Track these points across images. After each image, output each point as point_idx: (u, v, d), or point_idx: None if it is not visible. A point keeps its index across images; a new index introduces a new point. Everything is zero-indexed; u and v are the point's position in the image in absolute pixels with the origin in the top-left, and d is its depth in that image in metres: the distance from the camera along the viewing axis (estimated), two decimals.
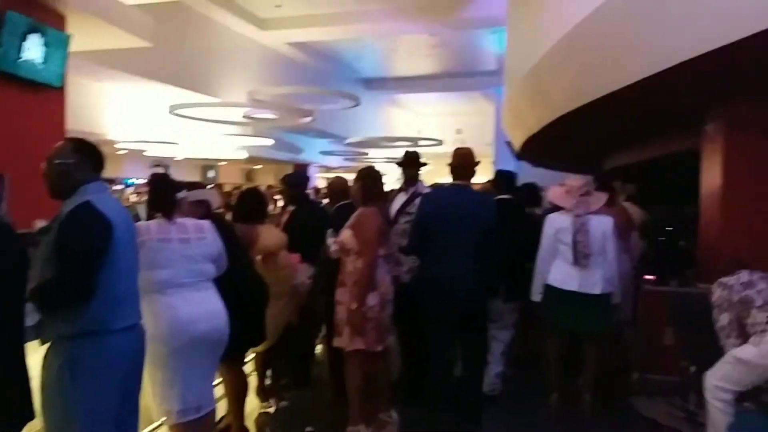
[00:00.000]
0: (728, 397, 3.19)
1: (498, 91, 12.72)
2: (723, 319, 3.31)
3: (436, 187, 4.84)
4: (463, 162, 3.91)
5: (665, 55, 3.50)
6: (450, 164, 3.95)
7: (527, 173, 11.09)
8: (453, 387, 3.90)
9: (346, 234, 3.45)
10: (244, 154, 12.01)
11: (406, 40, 11.95)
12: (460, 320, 3.77)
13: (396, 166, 4.52)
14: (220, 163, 15.05)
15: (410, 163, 4.37)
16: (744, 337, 3.25)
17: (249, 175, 17.65)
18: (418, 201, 4.17)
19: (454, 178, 3.93)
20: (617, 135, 7.44)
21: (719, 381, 3.23)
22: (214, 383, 3.15)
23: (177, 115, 8.36)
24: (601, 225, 4.07)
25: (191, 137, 10.39)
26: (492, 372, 4.40)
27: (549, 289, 4.11)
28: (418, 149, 4.65)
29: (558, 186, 4.42)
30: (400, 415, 3.70)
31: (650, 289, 4.96)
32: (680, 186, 6.83)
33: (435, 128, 17.79)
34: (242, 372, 3.55)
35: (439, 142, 12.60)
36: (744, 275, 3.34)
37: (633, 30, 3.90)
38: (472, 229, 3.71)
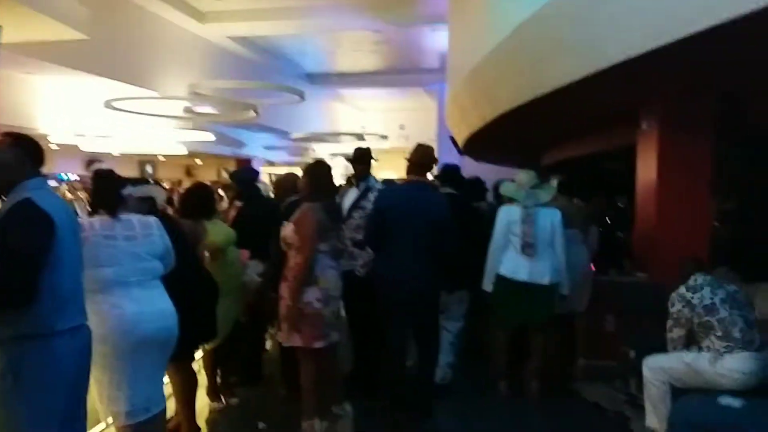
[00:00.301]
0: (666, 382, 3.39)
1: (441, 87, 12.88)
2: (676, 332, 3.43)
3: (392, 183, 4.91)
4: (424, 158, 3.98)
5: (603, 55, 3.65)
6: (409, 159, 4.01)
7: (470, 168, 11.31)
8: (405, 380, 3.96)
9: (287, 229, 3.45)
10: (183, 150, 11.71)
11: (349, 35, 11.93)
12: (413, 313, 3.84)
13: (346, 161, 4.54)
14: (158, 159, 14.63)
15: (361, 159, 4.41)
16: (694, 344, 3.39)
17: (189, 170, 17.24)
18: (370, 196, 4.22)
19: (410, 173, 3.98)
20: (557, 131, 7.68)
21: (662, 370, 3.41)
22: (164, 383, 3.07)
23: (113, 108, 8.07)
24: (550, 217, 4.21)
25: (128, 132, 10.06)
26: (442, 362, 4.48)
27: (500, 279, 4.20)
28: (363, 144, 4.68)
29: (510, 181, 4.58)
30: (353, 407, 3.70)
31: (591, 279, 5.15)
32: (615, 180, 7.13)
33: (379, 124, 17.84)
34: (192, 370, 3.48)
35: (384, 138, 12.67)
36: (705, 293, 3.32)
37: (573, 31, 4.04)
38: (427, 225, 3.77)
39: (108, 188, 2.94)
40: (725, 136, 4.83)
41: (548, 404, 4.29)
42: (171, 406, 3.34)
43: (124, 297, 2.72)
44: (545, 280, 4.13)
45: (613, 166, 7.48)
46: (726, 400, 3.10)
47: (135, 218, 2.91)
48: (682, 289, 3.43)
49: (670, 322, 3.45)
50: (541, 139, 8.74)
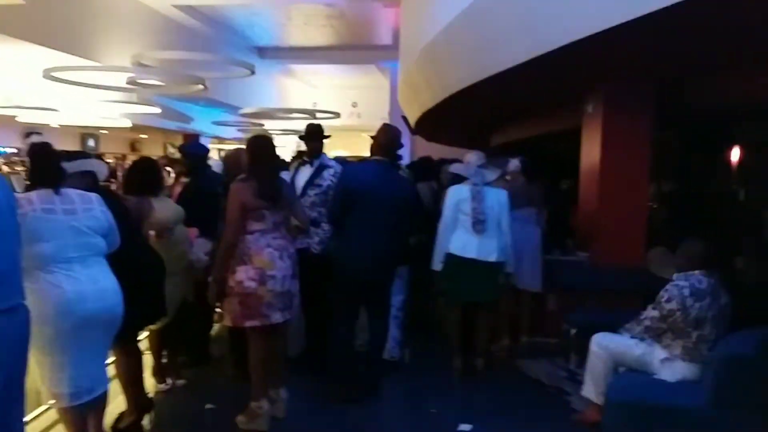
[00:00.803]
0: (611, 361, 3.51)
1: (393, 65, 12.81)
2: (656, 325, 3.32)
3: (345, 162, 4.94)
4: (393, 141, 4.01)
5: (551, 37, 3.72)
6: (375, 138, 4.01)
7: (422, 148, 11.36)
8: (353, 356, 4.01)
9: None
10: (128, 123, 11.30)
11: (300, 8, 11.68)
12: (370, 290, 3.92)
13: (299, 138, 4.52)
14: (101, 132, 14.08)
15: (314, 136, 4.39)
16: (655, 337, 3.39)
17: (134, 144, 16.69)
18: (325, 174, 4.24)
19: (376, 154, 3.99)
20: (506, 113, 7.80)
21: (610, 351, 3.49)
22: (107, 363, 3.01)
23: (52, 79, 7.70)
24: (497, 196, 4.30)
25: (69, 103, 9.63)
26: (389, 337, 4.54)
27: (449, 257, 4.28)
28: (315, 122, 4.66)
29: (459, 163, 4.69)
30: (289, 392, 3.72)
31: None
32: (559, 162, 7.32)
33: (331, 101, 17.62)
34: (138, 351, 3.43)
35: (337, 115, 12.53)
36: (705, 303, 3.17)
37: (522, 12, 4.09)
38: (393, 205, 3.83)
39: (46, 162, 2.83)
40: (664, 120, 5.02)
41: (492, 380, 4.41)
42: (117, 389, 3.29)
43: (65, 275, 2.64)
44: (492, 257, 4.23)
45: (557, 149, 7.66)
46: (661, 376, 3.26)
47: (74, 192, 2.81)
48: (686, 290, 3.20)
49: (655, 313, 3.31)
50: (490, 121, 8.85)
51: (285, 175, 4.07)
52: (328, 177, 4.27)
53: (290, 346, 4.49)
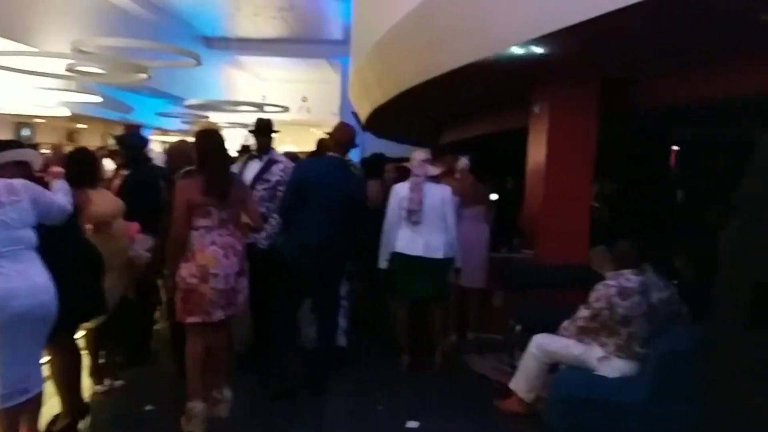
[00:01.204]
0: (548, 362, 3.59)
1: (344, 60, 12.75)
2: (589, 324, 3.40)
3: (296, 157, 4.93)
4: (348, 140, 3.99)
5: (498, 38, 3.78)
6: (333, 135, 4.01)
7: (371, 145, 11.36)
8: (295, 353, 4.03)
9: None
10: (66, 112, 10.84)
11: None
12: (320, 285, 3.91)
13: (248, 132, 4.46)
14: (37, 121, 13.46)
15: (263, 131, 4.35)
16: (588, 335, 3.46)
17: (72, 135, 16.03)
18: (274, 169, 4.20)
19: (331, 150, 3.99)
20: (456, 111, 7.87)
21: (548, 351, 3.57)
22: (42, 363, 2.87)
23: None
24: (440, 192, 4.35)
25: (3, 90, 9.16)
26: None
27: (395, 256, 4.30)
28: (263, 115, 4.60)
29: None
30: (234, 391, 3.63)
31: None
32: (505, 162, 7.44)
33: (280, 94, 17.39)
34: (75, 349, 3.29)
35: (286, 109, 12.37)
36: (634, 302, 3.26)
37: (471, 13, 4.14)
38: (343, 202, 3.83)
39: None
40: (608, 121, 5.16)
41: (438, 376, 4.44)
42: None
43: None
44: (439, 254, 4.26)
45: (504, 148, 7.78)
46: (601, 372, 3.35)
47: (0, 183, 2.66)
48: (612, 290, 3.30)
49: (586, 313, 3.41)
50: (441, 118, 8.92)
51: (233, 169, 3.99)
52: (277, 172, 4.21)
53: (237, 343, 4.41)
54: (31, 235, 2.68)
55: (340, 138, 3.98)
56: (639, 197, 6.69)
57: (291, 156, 5.03)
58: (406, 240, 4.27)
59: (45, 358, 3.03)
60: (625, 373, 3.32)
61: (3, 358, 2.55)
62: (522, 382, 3.66)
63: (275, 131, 4.44)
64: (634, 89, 4.98)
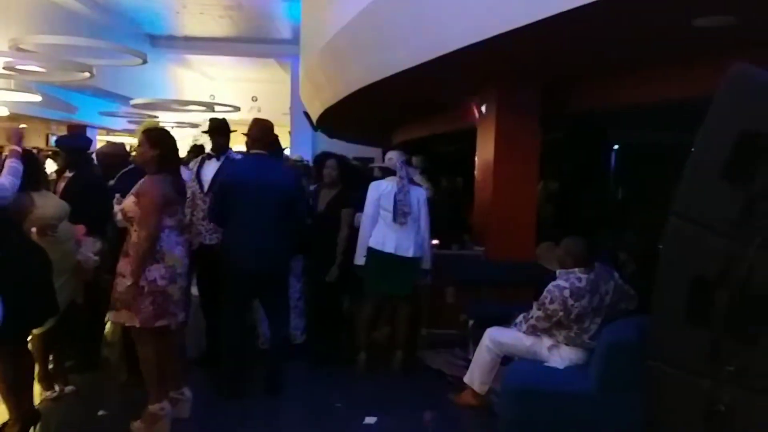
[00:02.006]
0: (501, 354, 3.70)
1: (295, 60, 12.68)
2: (540, 324, 3.48)
3: (240, 158, 4.82)
4: (263, 133, 3.95)
5: (443, 40, 3.88)
6: (248, 134, 3.97)
7: (323, 144, 11.35)
8: (244, 351, 4.00)
9: (129, 201, 3.26)
10: (4, 111, 10.41)
11: None
12: (262, 286, 3.88)
13: (203, 132, 4.43)
14: None
15: (220, 131, 4.34)
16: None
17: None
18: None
19: (251, 148, 3.95)
20: (406, 111, 7.97)
21: (501, 344, 3.66)
22: None
23: None
24: (416, 194, 4.49)
25: None
26: (291, 325, 4.52)
27: (370, 252, 4.40)
28: (213, 114, 4.58)
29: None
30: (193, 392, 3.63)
31: (435, 253, 5.46)
32: (455, 161, 7.61)
33: (229, 94, 17.12)
34: (25, 354, 3.21)
35: (237, 109, 12.21)
36: (585, 302, 3.34)
37: (417, 15, 4.23)
38: (276, 197, 3.80)
39: None
40: (548, 123, 5.35)
41: (394, 372, 4.51)
42: None
43: None
44: (409, 253, 4.38)
45: (450, 148, 7.94)
46: (551, 364, 3.49)
47: None
48: (566, 291, 3.37)
49: (539, 313, 3.47)
50: (392, 119, 9.00)
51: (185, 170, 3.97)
52: None
53: (192, 348, 4.38)
54: None
55: (254, 134, 3.94)
56: (581, 196, 6.94)
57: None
58: (381, 236, 4.37)
59: None
60: (575, 362, 3.45)
61: None
62: (476, 376, 3.74)
63: (232, 131, 4.42)
64: (576, 91, 5.17)
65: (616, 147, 7.33)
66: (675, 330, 2.62)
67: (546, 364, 3.51)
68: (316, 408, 3.96)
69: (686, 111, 4.82)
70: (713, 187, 2.48)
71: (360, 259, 4.44)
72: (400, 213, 4.33)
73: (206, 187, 4.21)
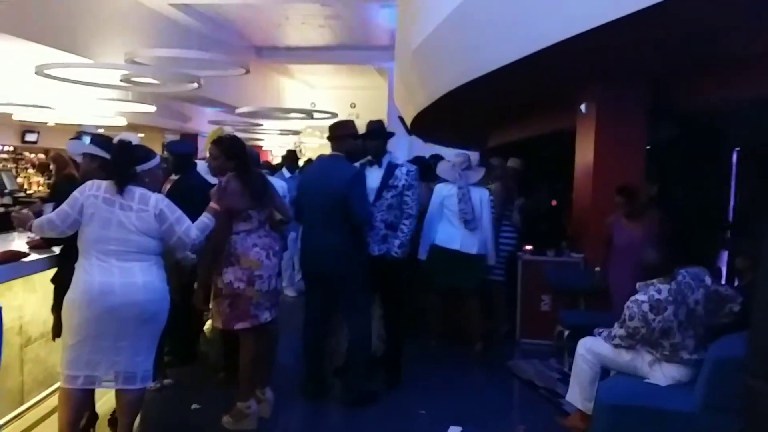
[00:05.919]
0: (599, 365, 3.43)
1: (391, 66, 12.78)
2: (626, 342, 3.28)
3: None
4: (338, 131, 3.92)
5: (540, 36, 3.68)
6: (329, 136, 3.97)
7: (418, 148, 11.33)
8: (320, 357, 4.01)
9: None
10: (123, 121, 11.25)
11: (297, 8, 11.64)
12: (332, 289, 3.81)
13: (359, 140, 4.11)
14: (98, 130, 14.05)
15: (374, 134, 4.14)
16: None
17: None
18: (398, 173, 4.02)
19: (332, 149, 3.96)
20: (500, 113, 7.76)
21: (599, 355, 3.40)
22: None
23: (45, 76, 7.66)
24: (479, 194, 4.73)
25: (63, 101, 9.58)
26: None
27: (434, 248, 4.65)
28: (313, 122, 4.64)
29: (445, 161, 5.02)
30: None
31: (529, 259, 5.26)
32: (556, 163, 7.28)
33: (329, 101, 17.55)
34: None
35: (335, 116, 12.47)
36: (669, 314, 3.11)
37: (511, 11, 4.06)
38: (333, 198, 3.68)
39: (124, 162, 2.88)
40: (655, 122, 4.98)
41: (484, 381, 4.38)
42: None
43: (98, 264, 2.74)
44: (473, 250, 4.62)
45: (552, 152, 7.60)
46: (652, 380, 3.21)
47: (138, 191, 2.84)
48: (645, 305, 3.14)
49: (621, 331, 3.26)
50: (486, 121, 8.81)
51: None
52: (401, 176, 4.01)
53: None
54: (148, 242, 2.81)
55: (331, 133, 3.91)
56: (686, 199, 6.42)
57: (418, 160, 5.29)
58: (446, 234, 4.63)
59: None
60: (678, 380, 3.16)
61: (76, 342, 2.70)
62: (577, 391, 3.45)
63: (390, 134, 4.26)
64: (686, 86, 4.77)
65: (737, 149, 6.69)
66: None
67: (647, 380, 3.23)
68: (398, 415, 3.84)
69: None
70: None
71: (423, 255, 4.65)
72: (465, 222, 4.61)
73: (373, 195, 3.99)
